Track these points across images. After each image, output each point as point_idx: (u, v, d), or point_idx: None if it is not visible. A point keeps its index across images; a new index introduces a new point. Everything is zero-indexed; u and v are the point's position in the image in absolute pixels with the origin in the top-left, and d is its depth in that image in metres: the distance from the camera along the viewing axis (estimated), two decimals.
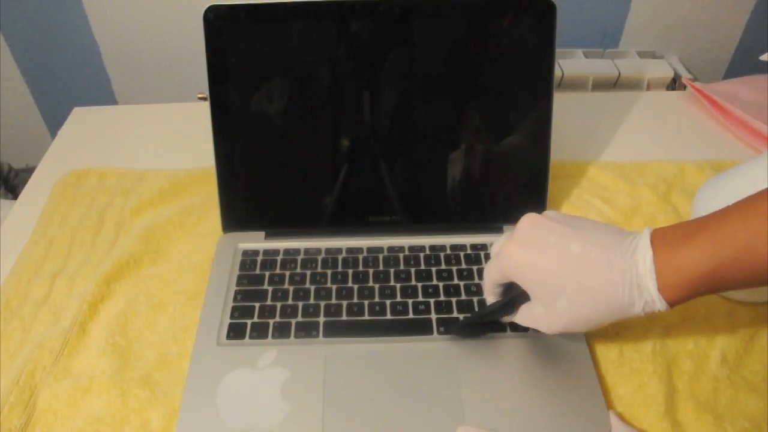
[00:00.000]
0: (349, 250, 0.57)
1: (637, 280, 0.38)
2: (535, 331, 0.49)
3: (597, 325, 0.42)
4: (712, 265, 0.37)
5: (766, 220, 0.35)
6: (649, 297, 0.38)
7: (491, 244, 0.48)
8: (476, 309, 0.51)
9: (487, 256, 0.56)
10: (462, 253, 0.56)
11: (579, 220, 0.43)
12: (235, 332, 0.50)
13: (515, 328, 0.49)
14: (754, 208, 0.37)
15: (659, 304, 0.38)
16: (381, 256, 0.56)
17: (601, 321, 0.41)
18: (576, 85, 1.01)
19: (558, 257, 0.41)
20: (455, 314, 0.51)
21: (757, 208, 0.36)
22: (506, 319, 0.47)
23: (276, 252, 0.57)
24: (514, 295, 0.45)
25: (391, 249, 0.57)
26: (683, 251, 0.37)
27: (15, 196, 1.14)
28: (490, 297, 0.47)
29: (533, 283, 0.42)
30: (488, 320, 0.48)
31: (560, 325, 0.42)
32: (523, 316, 0.45)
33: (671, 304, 0.38)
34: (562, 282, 0.40)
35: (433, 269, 0.55)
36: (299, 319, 0.51)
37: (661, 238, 0.39)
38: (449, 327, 0.50)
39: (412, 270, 0.55)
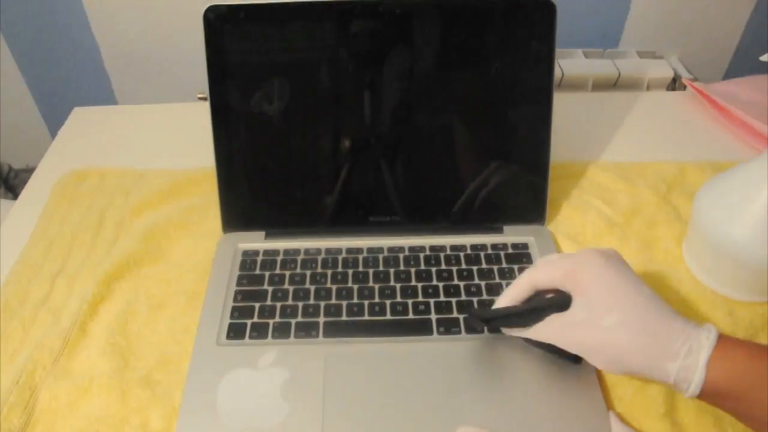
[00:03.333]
0: (349, 251, 0.57)
1: (693, 341, 0.38)
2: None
3: (622, 367, 0.40)
4: (757, 378, 0.37)
5: None
6: (693, 363, 0.38)
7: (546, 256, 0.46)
8: (494, 306, 0.47)
9: (487, 257, 0.56)
10: (462, 254, 0.56)
11: None
12: (235, 332, 0.50)
13: None
14: None
15: (698, 374, 0.37)
16: (381, 257, 0.56)
17: (632, 361, 0.39)
18: (576, 85, 1.01)
19: (631, 284, 0.41)
20: (455, 314, 0.51)
21: None
22: (518, 327, 0.45)
23: (276, 252, 0.57)
24: (550, 303, 0.43)
25: (391, 249, 0.57)
26: (746, 346, 0.38)
27: (15, 196, 1.13)
28: (506, 301, 0.45)
29: (596, 290, 0.41)
30: (503, 323, 0.46)
31: (594, 341, 0.40)
32: (549, 326, 0.43)
33: (703, 387, 0.38)
34: (624, 301, 0.40)
35: (433, 269, 0.55)
36: (299, 319, 0.51)
37: (725, 336, 0.39)
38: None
39: (412, 270, 0.55)
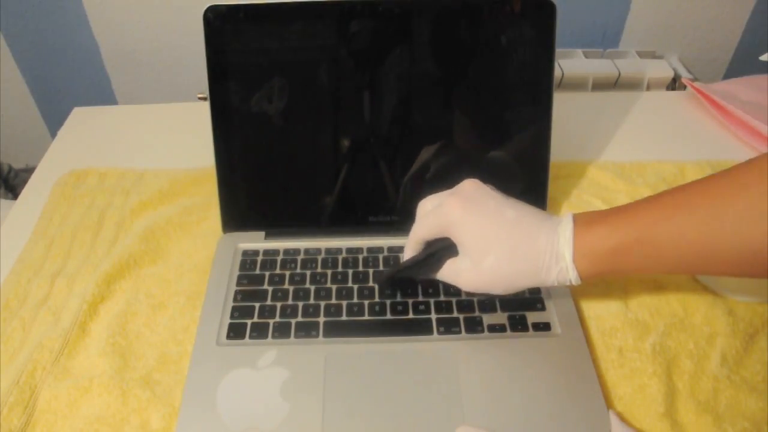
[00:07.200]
0: (349, 250, 0.57)
1: (557, 248, 0.43)
2: (536, 329, 0.49)
3: (514, 289, 0.45)
4: (618, 242, 0.41)
5: (666, 209, 0.41)
6: (564, 265, 0.43)
7: (420, 204, 0.50)
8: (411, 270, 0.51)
9: None
10: None
11: (513, 198, 0.47)
12: (235, 332, 0.50)
13: (515, 327, 0.49)
14: (659, 199, 0.42)
15: (571, 273, 0.43)
16: (381, 256, 0.56)
17: (520, 284, 0.45)
18: (576, 85, 1.01)
19: (494, 219, 0.45)
20: (455, 314, 0.51)
21: (662, 199, 0.42)
22: (427, 275, 0.49)
23: (276, 252, 0.57)
24: (439, 248, 0.47)
25: (391, 249, 0.57)
26: (596, 228, 0.43)
27: (15, 196, 1.13)
28: (410, 253, 0.49)
29: (467, 239, 0.45)
30: (410, 274, 0.50)
31: (481, 281, 0.45)
32: (446, 271, 0.48)
33: (582, 275, 0.43)
34: (494, 241, 0.44)
35: None
36: (299, 319, 0.51)
37: (581, 218, 0.44)
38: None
39: None
